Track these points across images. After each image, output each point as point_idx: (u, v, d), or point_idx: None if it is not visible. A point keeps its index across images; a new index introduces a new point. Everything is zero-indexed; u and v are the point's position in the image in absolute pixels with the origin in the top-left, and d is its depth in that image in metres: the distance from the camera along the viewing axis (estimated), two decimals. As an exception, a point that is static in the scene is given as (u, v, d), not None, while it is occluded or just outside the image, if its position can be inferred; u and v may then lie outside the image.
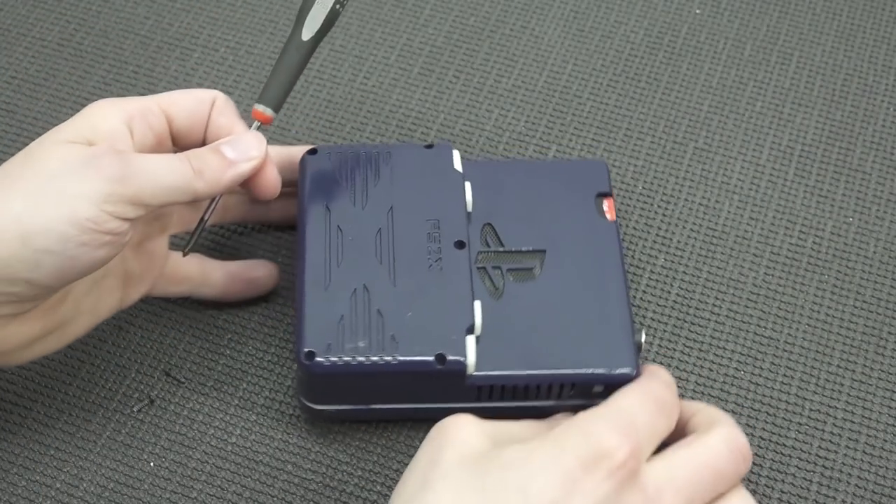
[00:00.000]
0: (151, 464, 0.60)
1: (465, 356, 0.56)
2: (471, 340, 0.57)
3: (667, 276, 0.66)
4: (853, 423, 0.61)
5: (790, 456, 0.60)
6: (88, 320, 0.59)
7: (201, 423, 0.61)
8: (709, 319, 0.65)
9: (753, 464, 0.60)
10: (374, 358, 0.56)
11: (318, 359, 0.56)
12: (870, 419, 0.61)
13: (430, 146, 0.63)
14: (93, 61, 0.75)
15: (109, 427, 0.61)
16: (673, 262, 0.67)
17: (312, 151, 0.63)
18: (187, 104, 0.58)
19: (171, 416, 0.61)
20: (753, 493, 0.59)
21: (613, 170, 0.70)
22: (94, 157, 0.54)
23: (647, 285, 0.66)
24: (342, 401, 0.59)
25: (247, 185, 0.59)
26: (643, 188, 0.70)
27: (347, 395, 0.58)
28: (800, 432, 0.61)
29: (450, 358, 0.56)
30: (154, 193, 0.54)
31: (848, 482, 0.60)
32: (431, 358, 0.56)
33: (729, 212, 0.69)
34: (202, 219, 0.60)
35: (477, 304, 0.58)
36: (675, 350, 0.64)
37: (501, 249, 0.61)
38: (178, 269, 0.63)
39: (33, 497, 0.59)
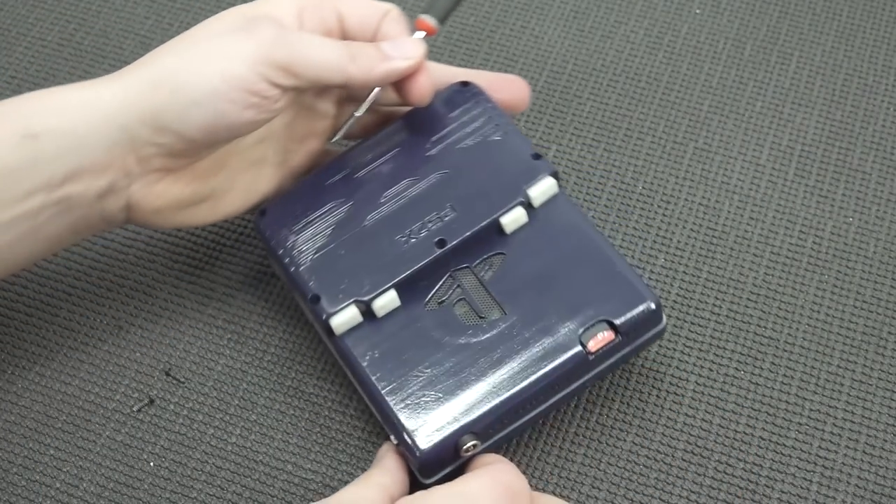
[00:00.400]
0: (151, 464, 0.60)
1: (331, 314, 0.58)
2: (351, 310, 0.58)
3: (667, 276, 0.66)
4: (853, 423, 0.61)
5: (790, 456, 0.60)
6: (241, 198, 0.62)
7: (201, 423, 0.61)
8: (709, 319, 0.65)
9: (753, 464, 0.60)
10: (285, 258, 0.60)
11: (262, 221, 0.61)
12: (870, 419, 0.61)
13: (537, 156, 0.61)
14: (93, 61, 0.75)
15: (109, 427, 0.61)
16: (673, 262, 0.67)
17: (465, 84, 0.64)
18: (361, 8, 0.61)
19: (171, 416, 0.61)
20: (753, 493, 0.59)
21: (613, 170, 0.70)
22: (254, 23, 0.57)
23: (647, 285, 0.66)
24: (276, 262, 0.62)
25: (399, 87, 0.61)
26: (643, 188, 0.70)
27: (278, 264, 0.61)
28: (800, 432, 0.61)
29: (319, 305, 0.58)
30: (306, 65, 0.57)
31: (848, 482, 0.60)
32: (309, 293, 0.59)
33: (729, 212, 0.69)
34: (353, 113, 0.62)
35: (391, 294, 0.58)
36: (675, 350, 0.64)
37: (479, 282, 0.59)
38: (324, 162, 0.65)
39: (33, 497, 0.59)
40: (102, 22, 0.77)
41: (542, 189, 0.60)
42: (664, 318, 0.58)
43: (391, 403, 0.56)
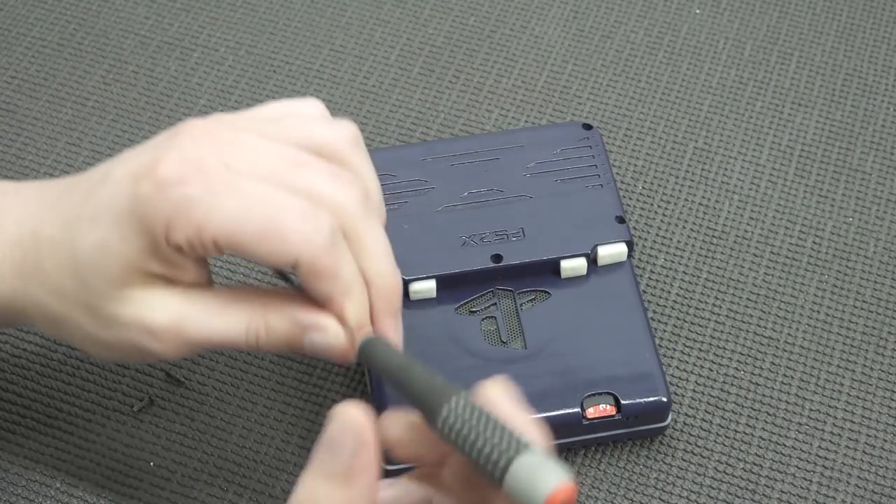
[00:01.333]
0: (151, 464, 0.60)
1: None
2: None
3: (667, 276, 0.66)
4: (853, 423, 0.61)
5: (790, 456, 0.60)
6: None
7: (201, 423, 0.61)
8: (709, 319, 0.65)
9: (753, 464, 0.60)
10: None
11: None
12: (870, 419, 0.61)
13: (621, 220, 0.62)
14: (93, 61, 0.75)
15: (109, 426, 0.61)
16: (673, 262, 0.67)
17: (587, 126, 0.65)
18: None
19: (171, 416, 0.61)
20: (753, 493, 0.59)
21: (613, 169, 0.70)
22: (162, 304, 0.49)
23: (647, 285, 0.66)
24: None
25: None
26: (643, 188, 0.70)
27: None
28: (800, 432, 0.61)
29: None
30: (200, 338, 0.49)
31: (848, 482, 0.59)
32: None
33: (729, 212, 0.69)
34: None
35: (430, 283, 0.59)
36: (675, 350, 0.64)
37: (516, 309, 0.60)
38: None
39: (33, 497, 0.59)
40: (102, 22, 0.77)
41: (612, 252, 0.61)
42: (669, 418, 0.59)
43: (388, 386, 0.57)
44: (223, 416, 0.61)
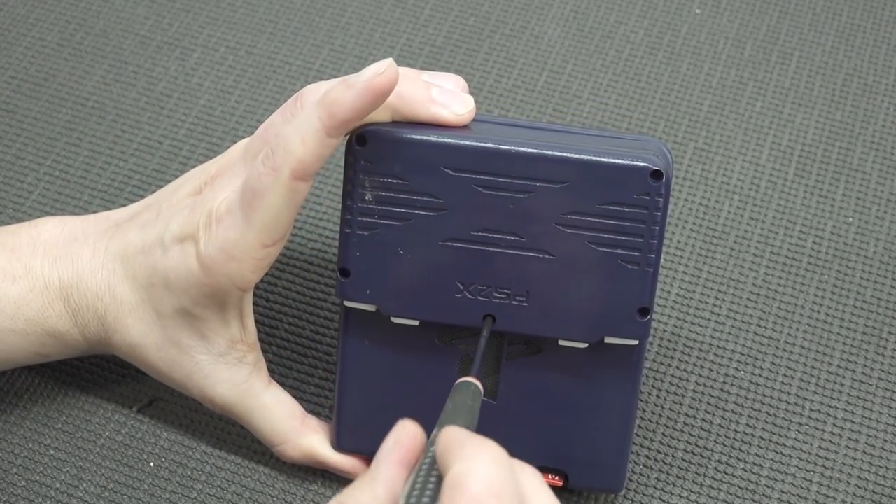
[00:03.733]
0: (151, 464, 0.60)
1: (344, 288, 0.54)
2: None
3: (667, 276, 0.66)
4: (853, 423, 0.61)
5: (790, 456, 0.60)
6: None
7: (201, 423, 0.61)
8: (709, 319, 0.65)
9: (753, 464, 0.60)
10: (347, 213, 0.53)
11: (357, 150, 0.52)
12: (870, 419, 0.61)
13: (645, 312, 0.53)
14: (93, 61, 0.75)
15: (109, 427, 0.61)
16: (673, 262, 0.67)
17: (657, 174, 0.52)
18: None
19: (171, 416, 0.61)
20: (753, 493, 0.59)
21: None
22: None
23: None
24: None
25: None
26: (643, 188, 0.70)
27: (343, 205, 0.54)
28: (800, 432, 0.61)
29: (345, 283, 0.54)
30: (253, 424, 0.59)
31: (848, 482, 0.60)
32: (343, 264, 0.54)
33: (729, 212, 0.69)
34: None
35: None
36: (675, 350, 0.64)
37: (499, 355, 0.55)
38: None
39: (33, 497, 0.59)
40: (102, 22, 0.77)
41: (622, 342, 0.54)
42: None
43: (346, 393, 0.57)
44: (223, 415, 0.61)
